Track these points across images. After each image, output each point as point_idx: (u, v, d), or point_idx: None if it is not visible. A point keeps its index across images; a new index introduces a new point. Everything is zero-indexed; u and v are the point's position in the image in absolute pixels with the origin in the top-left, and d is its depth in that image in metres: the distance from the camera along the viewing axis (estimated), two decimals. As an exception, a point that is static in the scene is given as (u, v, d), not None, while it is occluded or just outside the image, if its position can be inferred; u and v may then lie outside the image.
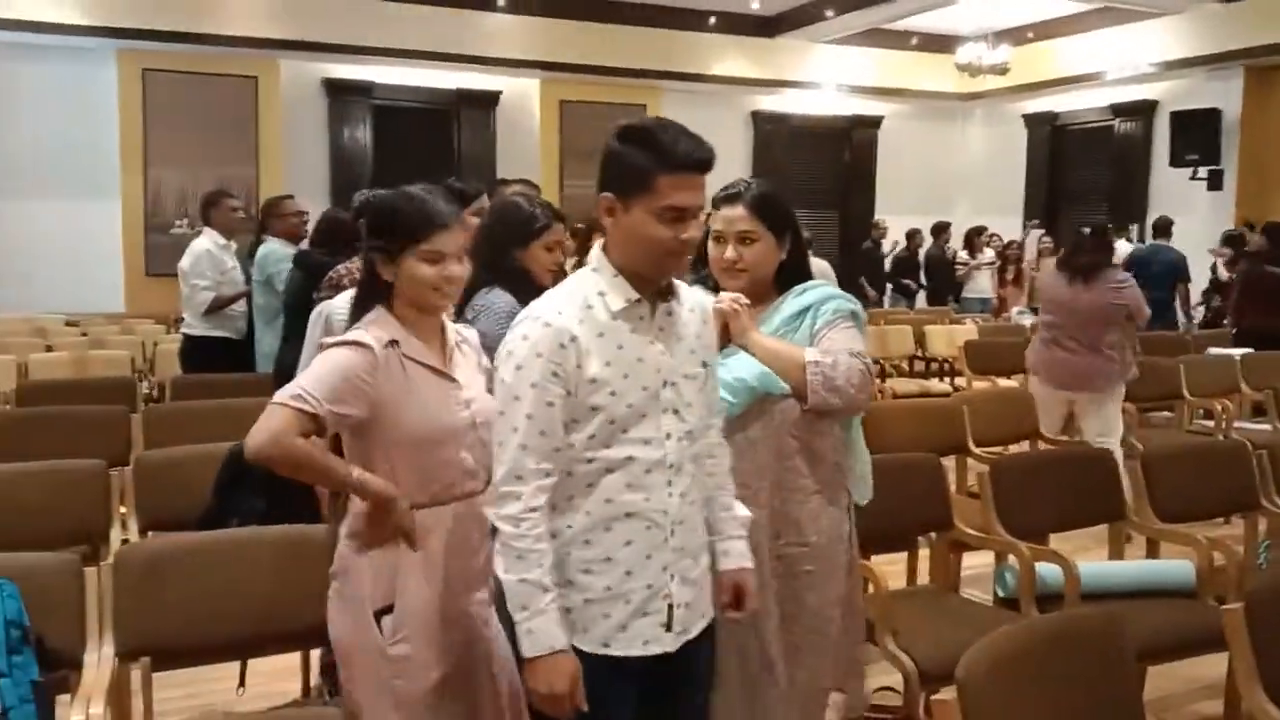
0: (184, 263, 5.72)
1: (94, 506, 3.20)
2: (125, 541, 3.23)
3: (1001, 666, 1.78)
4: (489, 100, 12.40)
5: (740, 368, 2.25)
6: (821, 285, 2.42)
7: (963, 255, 12.06)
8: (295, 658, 3.36)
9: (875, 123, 14.75)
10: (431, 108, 12.27)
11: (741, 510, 2.11)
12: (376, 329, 2.07)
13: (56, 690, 2.30)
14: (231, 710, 3.35)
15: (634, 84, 12.57)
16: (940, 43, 13.49)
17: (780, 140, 14.14)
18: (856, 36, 12.94)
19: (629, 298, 1.85)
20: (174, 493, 3.34)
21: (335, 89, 11.73)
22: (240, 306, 5.70)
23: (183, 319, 6.11)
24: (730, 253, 2.32)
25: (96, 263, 10.55)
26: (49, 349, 6.87)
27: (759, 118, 14.06)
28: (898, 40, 13.51)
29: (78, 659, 2.32)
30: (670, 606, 1.88)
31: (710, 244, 2.37)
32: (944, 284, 12.07)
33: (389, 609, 2.05)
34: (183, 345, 5.79)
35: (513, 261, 3.00)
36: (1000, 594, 3.30)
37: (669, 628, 1.88)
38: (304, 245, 5.14)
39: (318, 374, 1.98)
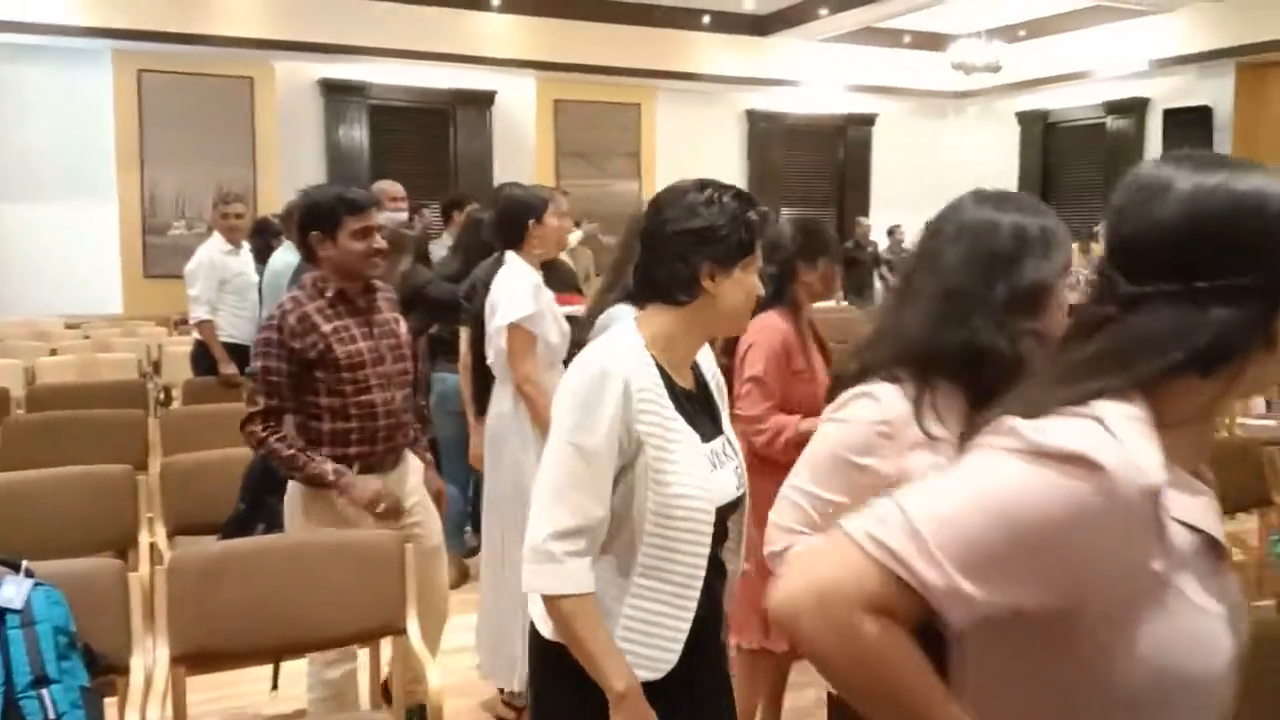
0: (187, 266, 5.69)
1: (122, 511, 3.20)
2: (153, 546, 3.26)
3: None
4: (485, 100, 12.39)
5: None
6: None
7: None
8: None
9: (869, 121, 14.80)
10: (427, 107, 12.25)
11: None
12: (1137, 445, 0.89)
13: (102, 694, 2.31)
14: (260, 713, 3.39)
15: (628, 83, 12.63)
16: (933, 40, 13.55)
17: (774, 139, 14.17)
18: (849, 35, 12.99)
19: None
20: (198, 497, 3.36)
21: (331, 89, 11.70)
22: (247, 311, 5.65)
23: (187, 322, 6.08)
24: None
25: (94, 264, 10.51)
26: (53, 352, 6.84)
27: (753, 116, 14.08)
28: (890, 38, 13.57)
29: (123, 663, 2.32)
30: None
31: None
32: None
33: None
34: (194, 349, 5.75)
35: None
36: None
37: None
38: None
39: (975, 527, 0.89)
